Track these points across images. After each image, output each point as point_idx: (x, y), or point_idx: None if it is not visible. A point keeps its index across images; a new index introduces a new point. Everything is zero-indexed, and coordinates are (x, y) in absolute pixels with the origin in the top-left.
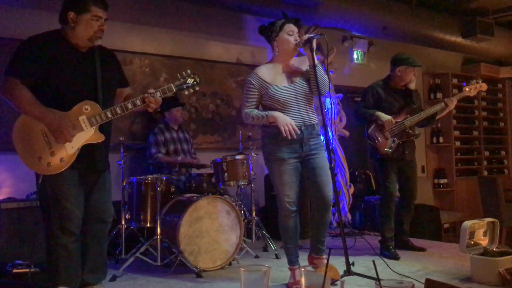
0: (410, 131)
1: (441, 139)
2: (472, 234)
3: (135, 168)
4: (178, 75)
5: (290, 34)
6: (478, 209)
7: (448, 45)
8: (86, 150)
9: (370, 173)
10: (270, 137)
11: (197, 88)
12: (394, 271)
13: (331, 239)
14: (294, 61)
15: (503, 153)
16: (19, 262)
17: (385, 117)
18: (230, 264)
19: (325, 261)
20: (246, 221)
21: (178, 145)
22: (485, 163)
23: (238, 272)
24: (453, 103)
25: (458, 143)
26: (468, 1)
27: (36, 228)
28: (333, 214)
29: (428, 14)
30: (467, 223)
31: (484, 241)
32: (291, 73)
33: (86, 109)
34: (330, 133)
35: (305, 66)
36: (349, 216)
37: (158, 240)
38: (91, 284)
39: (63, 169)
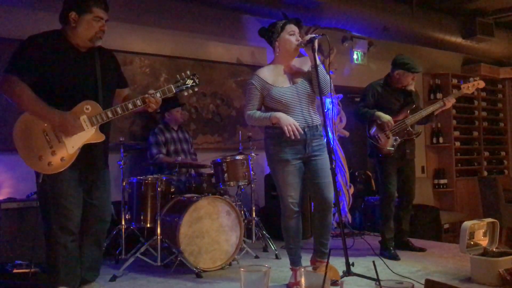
0: (412, 130)
1: (441, 140)
2: (472, 235)
3: (135, 168)
4: (178, 76)
5: (292, 34)
6: (478, 210)
7: (448, 46)
8: (86, 149)
9: (370, 174)
10: (273, 138)
11: (196, 90)
12: (393, 272)
13: (331, 239)
14: (296, 62)
15: (503, 153)
16: (19, 262)
17: (385, 117)
18: (230, 264)
19: (334, 268)
20: (246, 221)
21: (178, 145)
22: (485, 163)
23: (238, 273)
24: (450, 102)
25: (458, 144)
26: (468, 2)
27: (36, 228)
28: (333, 215)
29: (428, 14)
30: (467, 224)
31: (484, 242)
32: (293, 74)
33: (87, 109)
34: (330, 133)
35: (306, 66)
36: (349, 217)
37: (158, 240)
38: (89, 282)
39: (63, 169)
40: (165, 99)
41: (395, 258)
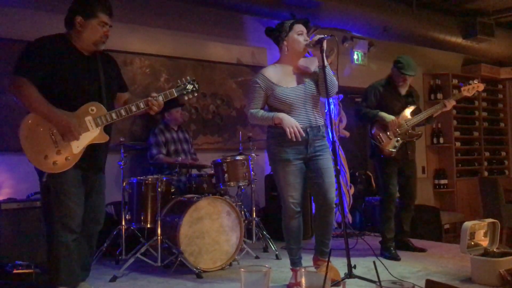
0: (413, 131)
1: (441, 140)
2: (472, 235)
3: (136, 168)
4: (179, 81)
5: (300, 34)
6: (478, 210)
7: (449, 46)
8: (90, 150)
9: (370, 174)
10: (275, 138)
11: (196, 95)
12: (391, 275)
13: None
14: (302, 62)
15: (503, 153)
16: (19, 262)
17: (389, 117)
18: (230, 264)
19: (335, 268)
20: (246, 221)
21: (179, 145)
22: (485, 163)
23: (239, 273)
24: (450, 103)
25: (458, 144)
26: (469, 2)
27: (36, 228)
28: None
29: (428, 14)
30: (468, 224)
31: (484, 242)
32: (299, 74)
33: (92, 110)
34: (330, 133)
35: (313, 67)
36: (350, 217)
37: (158, 240)
38: (80, 281)
39: (68, 168)
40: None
41: (396, 258)
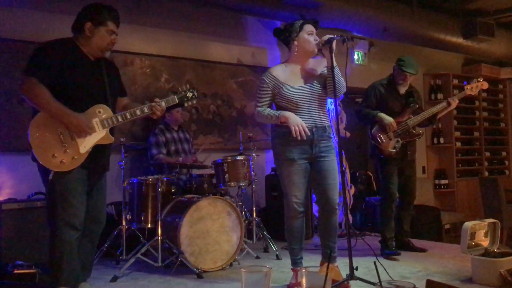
0: (414, 131)
1: (442, 140)
2: (473, 235)
3: (136, 168)
4: (179, 88)
5: (310, 34)
6: (479, 210)
7: (449, 46)
8: (95, 150)
9: (370, 174)
10: (280, 137)
11: (195, 101)
12: (389, 275)
13: None
14: (310, 62)
15: (504, 153)
16: (20, 262)
17: (387, 119)
18: (231, 265)
19: (336, 269)
20: (247, 222)
21: (179, 145)
22: (486, 163)
23: (239, 273)
24: (455, 102)
25: (459, 144)
26: (469, 2)
27: (37, 229)
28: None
29: (428, 15)
30: (468, 224)
31: (485, 242)
32: (307, 74)
33: (99, 112)
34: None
35: (321, 67)
36: (350, 217)
37: (159, 240)
38: (81, 281)
39: (74, 167)
40: None
41: (396, 253)
